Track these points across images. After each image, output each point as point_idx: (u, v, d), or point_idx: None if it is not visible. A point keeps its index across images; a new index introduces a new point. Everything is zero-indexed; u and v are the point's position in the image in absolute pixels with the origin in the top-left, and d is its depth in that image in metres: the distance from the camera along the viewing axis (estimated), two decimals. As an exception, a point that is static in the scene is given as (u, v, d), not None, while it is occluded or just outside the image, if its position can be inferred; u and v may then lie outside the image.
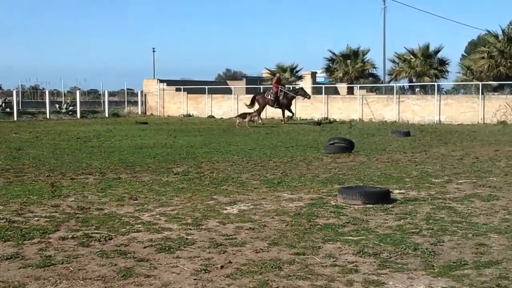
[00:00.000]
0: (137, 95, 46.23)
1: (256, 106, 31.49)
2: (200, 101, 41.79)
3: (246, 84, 48.36)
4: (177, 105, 42.82)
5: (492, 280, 5.15)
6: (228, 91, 42.91)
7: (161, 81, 44.54)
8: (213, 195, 9.40)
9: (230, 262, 5.74)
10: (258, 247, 6.26)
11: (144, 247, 6.29)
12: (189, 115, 41.14)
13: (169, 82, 44.82)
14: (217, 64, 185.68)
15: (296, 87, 34.58)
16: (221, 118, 38.81)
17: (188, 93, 42.40)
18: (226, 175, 11.61)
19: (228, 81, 55.17)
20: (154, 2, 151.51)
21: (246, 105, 31.99)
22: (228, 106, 40.27)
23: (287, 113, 31.71)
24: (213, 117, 39.56)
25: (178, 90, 43.06)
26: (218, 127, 28.70)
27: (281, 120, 31.46)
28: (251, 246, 6.29)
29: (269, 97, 30.99)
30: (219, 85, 48.68)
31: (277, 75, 35.52)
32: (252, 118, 28.61)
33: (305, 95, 31.66)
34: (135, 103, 45.94)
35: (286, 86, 33.33)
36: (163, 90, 43.67)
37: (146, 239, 6.61)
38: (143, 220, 7.63)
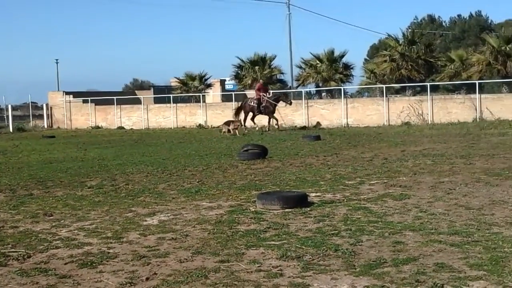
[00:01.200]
0: (42, 108, 44.96)
1: (242, 115, 30.14)
2: (108, 112, 41.12)
3: (154, 94, 47.99)
4: (84, 117, 41.97)
5: (411, 276, 5.35)
6: (137, 101, 42.45)
7: (67, 93, 43.53)
8: (131, 207, 9.29)
9: (155, 273, 5.70)
10: (182, 257, 6.25)
11: (65, 264, 6.15)
12: (98, 127, 40.41)
13: (76, 94, 43.86)
14: (124, 74, 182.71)
15: (278, 93, 32.42)
16: (131, 128, 38.35)
17: (96, 105, 41.64)
18: (142, 187, 11.49)
19: (136, 91, 54.55)
20: (52, 11, 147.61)
21: (234, 115, 30.64)
22: (138, 116, 39.85)
23: (270, 120, 30.25)
24: (123, 128, 39.03)
25: (85, 101, 42.21)
26: (129, 138, 28.35)
27: (266, 127, 29.84)
28: (175, 256, 6.27)
29: (252, 103, 29.81)
30: (128, 95, 48.03)
31: (260, 81, 34.25)
32: (236, 126, 27.46)
33: (286, 100, 30.02)
34: (40, 116, 44.67)
35: (271, 92, 30.91)
36: (70, 102, 42.67)
37: (67, 255, 6.46)
38: (61, 236, 7.45)
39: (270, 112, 29.76)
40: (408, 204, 8.72)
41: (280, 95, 30.79)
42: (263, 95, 29.67)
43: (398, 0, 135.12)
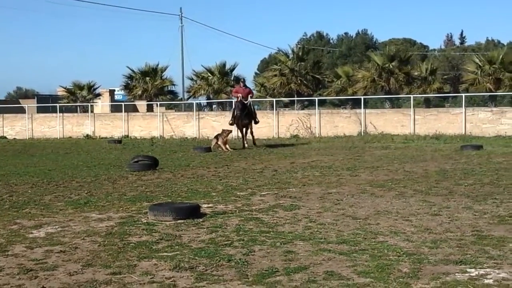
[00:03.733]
0: None
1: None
2: (-10, 121, 39.30)
3: (38, 103, 46.39)
4: (-37, 126, 39.89)
5: (302, 284, 5.47)
6: (21, 110, 40.88)
7: None
8: (16, 219, 8.92)
9: (43, 287, 5.51)
10: (71, 269, 6.07)
11: None
12: (-23, 136, 38.52)
13: (-46, 101, 41.65)
14: (7, 82, 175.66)
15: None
16: (14, 138, 36.88)
17: (-24, 113, 39.71)
18: (27, 198, 11.06)
19: (20, 100, 52.53)
20: None
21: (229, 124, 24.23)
22: (22, 126, 38.39)
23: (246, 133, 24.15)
24: (5, 137, 37.45)
25: (-36, 109, 40.16)
26: (12, 148, 27.25)
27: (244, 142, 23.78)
28: (64, 269, 6.08)
29: (237, 112, 23.07)
30: (11, 104, 46.14)
31: (242, 79, 28.13)
32: (224, 139, 22.52)
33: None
34: None
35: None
36: None
37: None
38: None
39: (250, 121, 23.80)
40: (298, 215, 8.91)
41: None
42: (242, 99, 23.17)
43: (288, 16, 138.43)
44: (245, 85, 24.48)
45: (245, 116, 23.16)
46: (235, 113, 23.31)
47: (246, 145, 23.48)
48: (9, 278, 5.83)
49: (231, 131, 23.75)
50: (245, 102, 23.21)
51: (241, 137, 24.19)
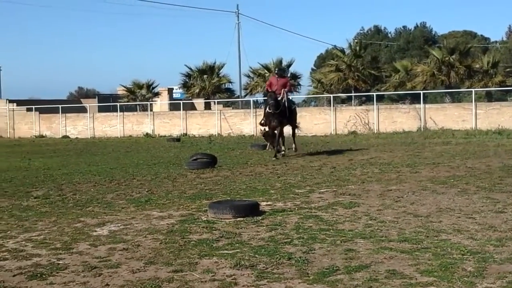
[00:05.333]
0: (-17, 117, 43.82)
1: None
2: (53, 121, 40.39)
3: (99, 102, 47.35)
4: (28, 125, 41.12)
5: (363, 283, 5.41)
6: (83, 110, 41.82)
7: (10, 101, 42.59)
8: (80, 218, 9.13)
9: (107, 284, 5.61)
10: (134, 267, 6.16)
11: (14, 275, 5.99)
12: (42, 136, 39.63)
13: (19, 102, 42.97)
14: (69, 82, 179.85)
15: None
16: (77, 138, 37.75)
17: (40, 113, 40.84)
18: (90, 196, 11.31)
19: (82, 99, 53.75)
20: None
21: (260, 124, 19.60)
22: (84, 125, 39.28)
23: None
24: (68, 137, 38.41)
25: (29, 110, 41.35)
26: (75, 147, 27.89)
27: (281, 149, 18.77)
28: (127, 267, 6.19)
29: (268, 109, 18.33)
30: (73, 104, 47.27)
31: (276, 68, 22.78)
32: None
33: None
34: (-19, 125, 43.51)
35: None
36: (13, 110, 41.74)
37: (15, 267, 6.30)
38: (8, 247, 7.25)
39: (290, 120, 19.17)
40: (358, 212, 8.82)
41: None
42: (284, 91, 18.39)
43: (345, 11, 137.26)
44: (281, 75, 19.36)
45: (278, 115, 17.95)
46: (265, 110, 18.81)
47: (278, 154, 18.09)
48: (74, 275, 5.96)
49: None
50: (279, 97, 18.14)
51: (272, 143, 18.88)
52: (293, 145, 19.47)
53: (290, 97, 19.71)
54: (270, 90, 18.32)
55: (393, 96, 47.95)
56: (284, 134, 18.96)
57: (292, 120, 19.19)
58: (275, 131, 18.28)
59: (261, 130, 19.50)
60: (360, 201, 9.82)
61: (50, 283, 5.72)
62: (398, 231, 7.46)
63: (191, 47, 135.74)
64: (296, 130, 20.19)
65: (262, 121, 19.00)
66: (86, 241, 7.49)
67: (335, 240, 7.09)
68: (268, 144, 19.54)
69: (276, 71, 19.76)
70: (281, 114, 18.10)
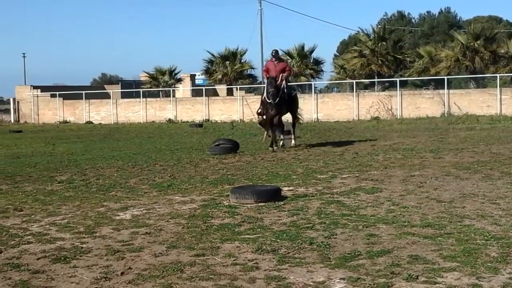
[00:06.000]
0: (8, 103, 44.34)
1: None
2: (77, 107, 40.73)
3: (122, 88, 47.60)
4: (52, 111, 41.49)
5: (386, 268, 5.39)
6: (106, 96, 42.07)
7: (35, 87, 42.97)
8: (103, 202, 9.20)
9: (130, 268, 5.65)
10: (156, 251, 6.20)
11: (38, 259, 6.05)
12: (66, 122, 40.00)
13: (44, 88, 43.32)
14: (92, 69, 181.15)
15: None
16: (100, 123, 38.01)
17: (64, 99, 41.18)
18: (113, 181, 11.38)
19: (105, 85, 54.05)
20: (19, 5, 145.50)
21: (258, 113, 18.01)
22: (107, 111, 39.54)
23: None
24: (91, 122, 38.71)
25: (53, 96, 41.70)
26: (98, 133, 28.09)
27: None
28: (150, 251, 6.22)
29: (266, 98, 16.52)
30: (96, 90, 47.56)
31: (273, 51, 17.32)
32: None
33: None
34: (6, 111, 44.06)
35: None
36: (37, 96, 42.13)
37: (39, 250, 6.37)
38: (33, 231, 7.34)
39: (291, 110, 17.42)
40: (381, 198, 8.78)
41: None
42: (283, 76, 16.57)
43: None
44: (278, 58, 17.27)
45: (276, 104, 16.21)
46: (262, 97, 17.02)
47: (274, 145, 16.36)
48: (97, 259, 6.01)
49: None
50: (278, 83, 16.30)
51: (267, 135, 17.47)
52: (292, 136, 17.43)
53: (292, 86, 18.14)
54: (268, 76, 16.52)
55: (417, 82, 47.57)
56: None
57: (292, 108, 17.31)
58: (274, 121, 16.61)
59: (259, 119, 17.87)
60: (382, 186, 9.76)
61: (73, 266, 5.78)
62: (421, 217, 7.41)
63: (214, 34, 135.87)
64: (297, 120, 17.93)
65: (259, 110, 17.36)
66: (109, 225, 7.55)
67: (357, 225, 7.06)
68: (265, 134, 17.89)
69: (273, 54, 17.10)
70: (280, 102, 16.33)
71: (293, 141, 17.37)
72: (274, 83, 16.13)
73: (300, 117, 18.30)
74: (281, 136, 17.13)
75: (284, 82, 16.61)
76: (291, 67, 17.92)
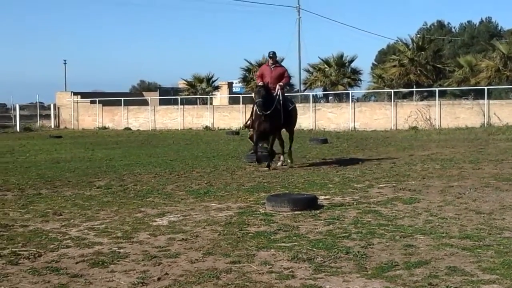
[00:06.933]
0: (48, 109, 45.10)
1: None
2: (116, 113, 41.24)
3: (160, 95, 48.03)
4: (92, 117, 42.09)
5: (423, 280, 5.33)
6: (144, 103, 42.52)
7: (75, 93, 43.69)
8: (140, 208, 9.29)
9: (166, 273, 5.69)
10: (193, 257, 6.23)
11: (76, 263, 6.14)
12: (104, 128, 40.52)
13: (83, 95, 44.01)
14: (131, 76, 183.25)
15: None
16: (138, 130, 38.42)
17: (103, 105, 41.75)
18: (150, 187, 11.48)
19: (143, 92, 54.63)
20: (61, 12, 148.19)
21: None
22: (145, 118, 39.94)
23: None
24: (129, 129, 39.13)
25: (93, 102, 42.31)
26: (136, 139, 28.39)
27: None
28: (186, 257, 6.26)
29: (256, 110, 14.05)
30: (134, 97, 48.11)
31: (270, 52, 14.61)
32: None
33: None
34: (47, 116, 44.77)
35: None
36: (77, 102, 42.79)
37: (77, 255, 6.46)
38: (71, 235, 7.44)
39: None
40: (418, 208, 8.69)
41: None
42: (279, 85, 14.32)
43: (407, 5, 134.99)
44: (275, 62, 14.69)
45: (268, 117, 13.84)
46: (253, 108, 14.45)
47: (271, 162, 14.27)
48: (134, 264, 6.07)
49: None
50: (272, 91, 14.10)
51: (256, 148, 14.49)
52: (281, 157, 14.89)
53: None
54: (257, 84, 14.30)
55: (456, 92, 46.94)
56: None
57: (289, 123, 14.91)
58: (267, 137, 14.36)
59: (249, 133, 15.24)
60: (420, 196, 9.66)
61: (111, 270, 5.84)
62: (460, 228, 7.31)
63: (251, 42, 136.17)
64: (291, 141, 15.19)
65: (248, 123, 14.92)
66: (146, 230, 7.62)
67: (394, 235, 7.00)
68: (254, 149, 14.65)
69: (270, 55, 14.59)
70: (274, 115, 13.89)
71: (280, 162, 14.74)
72: (263, 91, 13.65)
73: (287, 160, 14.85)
74: (281, 158, 14.88)
75: (280, 91, 14.22)
76: (290, 75, 15.26)
